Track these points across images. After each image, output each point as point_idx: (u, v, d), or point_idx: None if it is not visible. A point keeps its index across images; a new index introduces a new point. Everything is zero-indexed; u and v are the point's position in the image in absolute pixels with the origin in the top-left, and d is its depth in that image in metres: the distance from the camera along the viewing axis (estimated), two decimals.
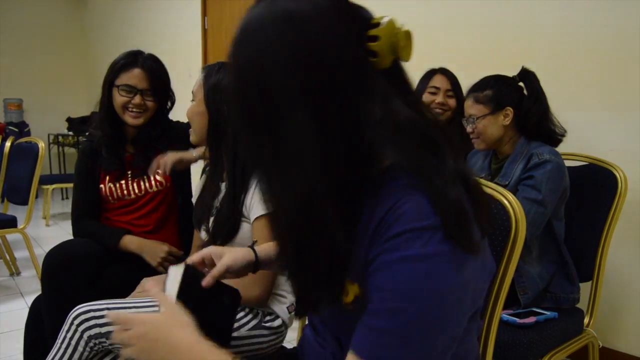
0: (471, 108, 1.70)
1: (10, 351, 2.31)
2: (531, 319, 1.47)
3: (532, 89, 1.69)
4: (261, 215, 1.26)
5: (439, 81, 2.04)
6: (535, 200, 1.53)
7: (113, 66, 1.72)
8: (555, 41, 2.20)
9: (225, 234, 1.31)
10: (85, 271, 1.57)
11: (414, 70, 0.74)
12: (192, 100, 1.38)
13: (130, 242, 1.68)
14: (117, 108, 1.71)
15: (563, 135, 1.70)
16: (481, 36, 2.50)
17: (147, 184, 1.78)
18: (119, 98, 1.70)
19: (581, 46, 2.11)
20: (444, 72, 2.07)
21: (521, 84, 1.72)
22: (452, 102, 2.02)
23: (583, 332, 1.65)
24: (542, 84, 1.74)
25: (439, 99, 2.02)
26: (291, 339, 2.17)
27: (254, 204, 1.28)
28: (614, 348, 2.07)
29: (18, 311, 2.80)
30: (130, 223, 1.78)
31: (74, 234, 1.79)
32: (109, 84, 1.72)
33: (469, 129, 1.71)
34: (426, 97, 2.05)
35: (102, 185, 1.77)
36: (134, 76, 1.70)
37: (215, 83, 1.32)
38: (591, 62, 2.08)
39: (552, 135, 1.69)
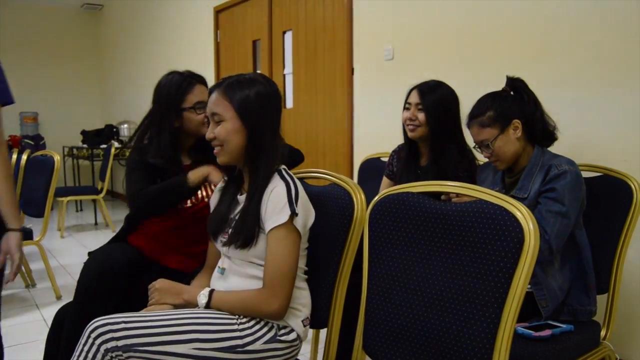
0: (480, 134, 1.68)
1: None
2: (547, 332, 1.46)
3: (527, 95, 1.70)
4: (275, 227, 1.27)
5: (412, 97, 1.99)
6: (560, 212, 1.53)
7: (172, 93, 1.74)
8: (567, 50, 2.20)
9: (243, 241, 1.31)
10: (119, 287, 1.60)
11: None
12: (217, 121, 1.34)
13: (195, 174, 1.70)
14: (194, 127, 1.76)
15: (555, 129, 1.72)
16: (491, 40, 2.51)
17: (204, 193, 1.81)
18: (195, 117, 1.75)
19: (593, 54, 2.11)
20: (418, 86, 2.01)
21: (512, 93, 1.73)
22: (421, 116, 1.95)
23: (600, 345, 1.63)
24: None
25: (409, 114, 1.99)
26: (305, 352, 2.16)
27: (269, 216, 1.29)
28: None
29: (34, 322, 2.83)
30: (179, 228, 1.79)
31: (138, 206, 1.75)
32: (175, 110, 1.74)
33: (485, 154, 1.70)
34: (403, 114, 2.01)
35: None
36: (199, 93, 1.76)
37: (244, 98, 1.32)
38: (605, 71, 2.08)
39: (553, 135, 1.71)
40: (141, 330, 1.19)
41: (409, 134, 1.99)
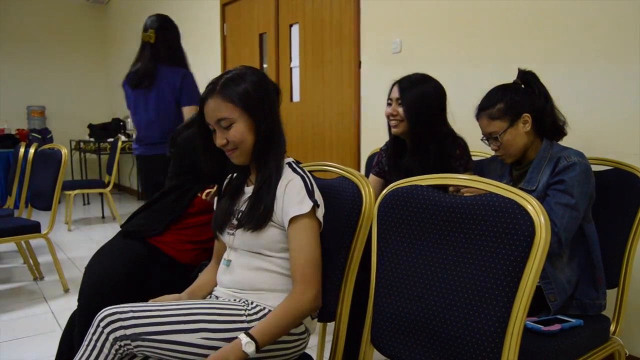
0: (489, 127, 1.67)
1: (35, 354, 2.34)
2: (556, 327, 1.45)
3: (538, 88, 1.68)
4: (299, 218, 1.27)
5: (393, 92, 1.95)
6: (569, 205, 1.51)
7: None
8: (577, 43, 2.18)
9: (255, 222, 1.30)
10: (122, 295, 1.58)
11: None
12: (226, 126, 1.30)
13: None
14: None
15: (565, 124, 1.70)
16: (499, 32, 2.49)
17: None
18: None
19: (604, 47, 2.08)
20: (399, 81, 1.96)
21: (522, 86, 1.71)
22: (401, 111, 1.89)
23: (609, 340, 1.62)
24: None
25: (390, 110, 1.94)
26: (313, 345, 2.16)
27: (289, 206, 1.29)
28: None
29: (41, 315, 2.85)
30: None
31: None
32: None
33: (493, 147, 1.68)
34: (385, 110, 1.96)
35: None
36: None
37: (244, 93, 1.30)
38: (616, 64, 2.06)
39: (562, 130, 1.70)
40: (149, 320, 1.20)
41: (392, 130, 1.95)
